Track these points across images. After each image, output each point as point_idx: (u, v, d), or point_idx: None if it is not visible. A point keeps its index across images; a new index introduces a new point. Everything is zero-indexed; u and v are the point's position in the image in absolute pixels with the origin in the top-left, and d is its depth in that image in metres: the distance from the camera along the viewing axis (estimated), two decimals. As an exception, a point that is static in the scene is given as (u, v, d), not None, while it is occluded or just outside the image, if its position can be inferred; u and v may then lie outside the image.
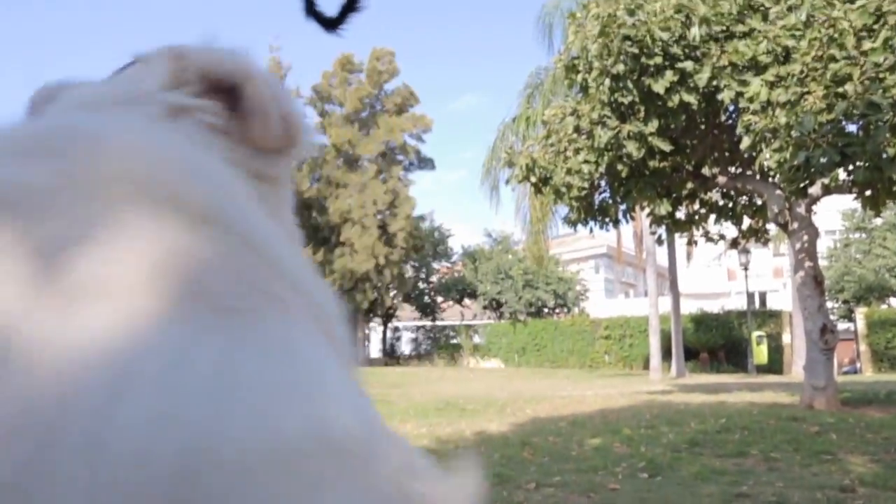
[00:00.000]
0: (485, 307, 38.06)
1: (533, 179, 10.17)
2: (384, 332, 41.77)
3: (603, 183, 10.51)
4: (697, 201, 11.61)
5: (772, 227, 12.78)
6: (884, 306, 31.57)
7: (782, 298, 38.05)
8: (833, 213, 34.68)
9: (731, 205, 11.89)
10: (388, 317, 40.91)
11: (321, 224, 35.54)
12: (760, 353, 27.90)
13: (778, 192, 9.78)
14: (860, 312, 29.71)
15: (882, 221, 32.92)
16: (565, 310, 37.39)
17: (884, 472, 5.46)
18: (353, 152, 35.83)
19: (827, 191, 9.72)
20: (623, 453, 6.45)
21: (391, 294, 37.97)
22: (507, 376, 22.87)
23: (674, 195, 10.91)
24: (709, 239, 12.44)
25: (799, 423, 8.14)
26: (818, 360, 9.68)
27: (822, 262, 29.86)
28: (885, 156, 7.67)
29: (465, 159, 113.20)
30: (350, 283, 34.75)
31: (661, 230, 12.06)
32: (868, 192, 9.69)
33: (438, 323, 41.06)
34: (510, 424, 8.86)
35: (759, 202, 11.36)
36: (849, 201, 29.58)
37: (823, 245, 35.80)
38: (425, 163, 38.30)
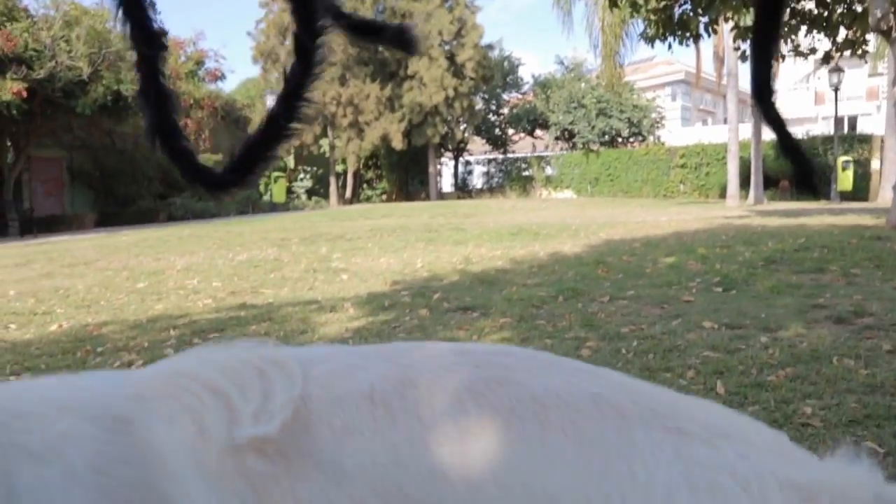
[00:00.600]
0: (557, 138, 37.37)
1: (609, -8, 9.55)
2: (455, 167, 41.82)
3: (685, -5, 9.79)
4: (789, 11, 10.73)
5: (871, 40, 11.80)
6: None
7: (875, 122, 35.94)
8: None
9: (826, 13, 10.96)
10: (459, 150, 40.77)
11: (387, 58, 34.83)
12: (846, 179, 26.83)
13: (881, -5, 8.93)
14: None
15: None
16: (640, 139, 36.39)
17: (972, 286, 5.31)
18: (418, -21, 34.34)
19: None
20: (697, 270, 6.44)
21: (462, 127, 37.60)
22: (580, 205, 22.80)
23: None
24: (798, 53, 11.62)
25: (882, 242, 7.90)
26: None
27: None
28: None
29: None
30: (419, 117, 34.47)
31: (746, 46, 11.26)
32: None
33: (510, 155, 40.72)
34: (584, 246, 8.91)
35: (860, 9, 10.43)
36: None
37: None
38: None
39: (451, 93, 33.99)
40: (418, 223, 15.04)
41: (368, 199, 39.88)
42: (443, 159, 42.20)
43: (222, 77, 32.28)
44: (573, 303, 5.20)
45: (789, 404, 2.84)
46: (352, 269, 7.92)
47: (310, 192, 37.09)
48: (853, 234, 8.71)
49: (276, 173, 30.42)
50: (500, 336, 4.34)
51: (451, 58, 34.34)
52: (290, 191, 34.69)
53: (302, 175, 37.82)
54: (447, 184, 42.90)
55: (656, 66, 53.33)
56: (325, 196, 36.63)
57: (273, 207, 28.84)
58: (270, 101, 29.22)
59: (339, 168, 37.57)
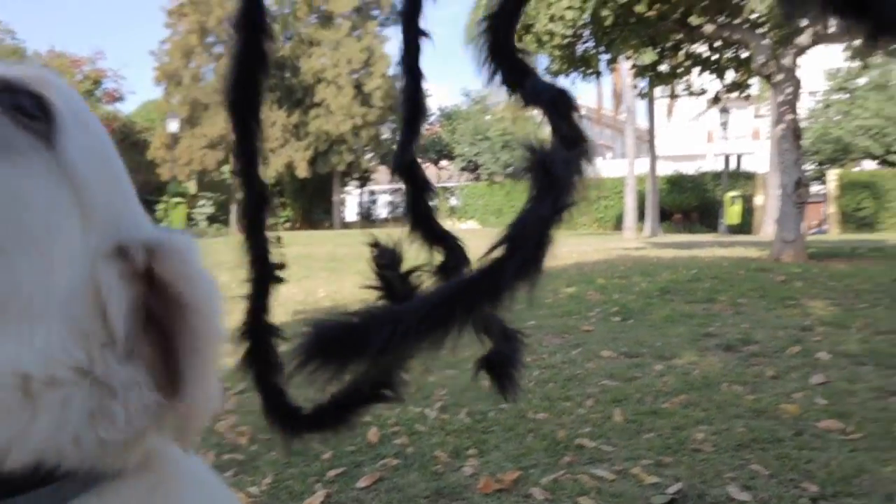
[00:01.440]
0: (462, 169, 37.92)
1: (513, 27, 9.77)
2: (361, 196, 41.70)
3: (587, 33, 10.16)
4: (682, 53, 11.33)
5: (754, 86, 12.59)
6: (856, 168, 31.87)
7: (758, 161, 38.19)
8: (818, 72, 34.23)
9: (715, 57, 11.63)
10: (364, 180, 40.70)
11: (294, 85, 34.56)
12: (733, 214, 28.32)
13: (765, 41, 9.54)
14: (833, 174, 30.02)
15: (865, 81, 32.63)
16: (543, 172, 37.36)
17: (842, 314, 5.67)
18: (326, 8, 34.36)
19: (816, 40, 9.50)
20: (596, 300, 6.61)
21: (367, 157, 37.58)
22: (483, 236, 23.01)
23: (659, 46, 10.62)
24: (691, 93, 12.26)
25: (766, 274, 8.36)
26: (790, 213, 9.81)
27: (802, 124, 29.81)
28: None
29: (445, 17, 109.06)
30: (325, 145, 34.27)
31: (644, 83, 11.83)
32: (858, 41, 9.52)
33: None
34: (486, 276, 8.98)
35: (745, 55, 11.11)
36: (835, 60, 29.08)
37: (805, 106, 35.58)
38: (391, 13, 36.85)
39: (358, 121, 33.98)
40: (322, 252, 14.84)
41: (272, 227, 39.17)
42: (347, 188, 42.03)
43: (121, 98, 31.23)
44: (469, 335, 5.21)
45: (682, 430, 2.92)
46: (253, 299, 7.70)
47: (211, 219, 36.10)
48: (740, 266, 9.17)
49: (174, 199, 29.49)
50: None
51: (358, 87, 34.40)
52: (189, 217, 33.68)
53: (203, 202, 36.79)
54: (352, 213, 42.71)
55: (559, 101, 54.83)
56: (227, 223, 35.75)
57: (169, 234, 27.92)
58: (172, 124, 28.43)
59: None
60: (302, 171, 33.89)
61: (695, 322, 5.40)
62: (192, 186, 35.68)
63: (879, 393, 3.47)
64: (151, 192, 33.76)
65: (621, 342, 4.69)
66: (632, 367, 3.99)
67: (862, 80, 32.77)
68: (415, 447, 2.83)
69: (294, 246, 15.31)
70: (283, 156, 33.38)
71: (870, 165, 32.43)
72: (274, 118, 32.97)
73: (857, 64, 31.24)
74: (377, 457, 2.74)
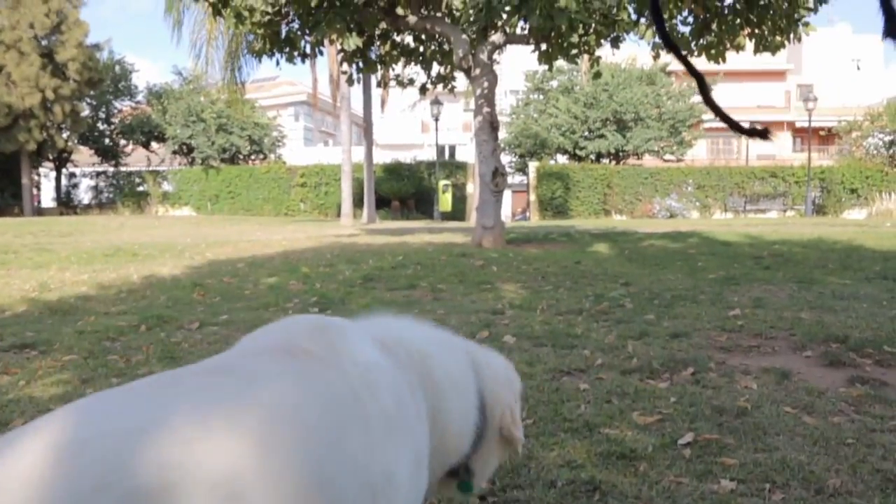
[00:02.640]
0: (174, 152, 35.52)
1: (211, -1, 9.12)
2: (58, 179, 37.29)
3: (292, 13, 9.79)
4: (389, 43, 11.44)
5: (460, 81, 13.14)
6: (552, 161, 35.28)
7: (469, 152, 40.69)
8: (518, 73, 37.25)
9: (421, 49, 11.92)
10: (61, 161, 36.44)
11: (-37, 46, 29.74)
12: (445, 201, 29.84)
13: (464, 36, 9.93)
14: (533, 166, 32.91)
15: (557, 84, 36.16)
16: (261, 157, 36.30)
17: (529, 296, 6.01)
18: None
19: (508, 39, 10.08)
20: (298, 290, 6.34)
21: (64, 135, 33.59)
22: (196, 223, 21.79)
23: (367, 34, 10.59)
24: (399, 83, 12.46)
25: (467, 259, 8.71)
26: (489, 201, 10.36)
27: (505, 119, 32.24)
28: (556, 5, 8.02)
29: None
30: (8, 119, 30.00)
31: (353, 70, 11.76)
32: (543, 46, 10.27)
33: (122, 169, 37.56)
34: (184, 268, 8.31)
35: (448, 48, 11.51)
36: (533, 62, 31.87)
37: (507, 103, 38.53)
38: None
39: (49, 95, 30.20)
40: (-6, 242, 12.86)
41: None
42: (42, 170, 37.35)
43: None
44: (156, 332, 4.67)
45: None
46: None
47: None
48: (444, 252, 9.49)
49: None
50: (58, 378, 3.66)
51: (48, 55, 30.55)
52: None
53: None
54: (48, 198, 38.08)
55: (279, 85, 53.89)
56: None
57: None
58: None
59: None
60: (-22, 149, 29.40)
61: (394, 310, 5.34)
62: None
63: (554, 374, 3.61)
64: None
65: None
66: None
67: (554, 83, 36.30)
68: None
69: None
70: (-49, 129, 28.67)
71: (562, 159, 36.10)
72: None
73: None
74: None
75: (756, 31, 9.96)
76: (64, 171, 37.34)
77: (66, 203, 36.55)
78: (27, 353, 4.27)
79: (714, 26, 10.08)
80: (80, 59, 31.07)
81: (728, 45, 10.32)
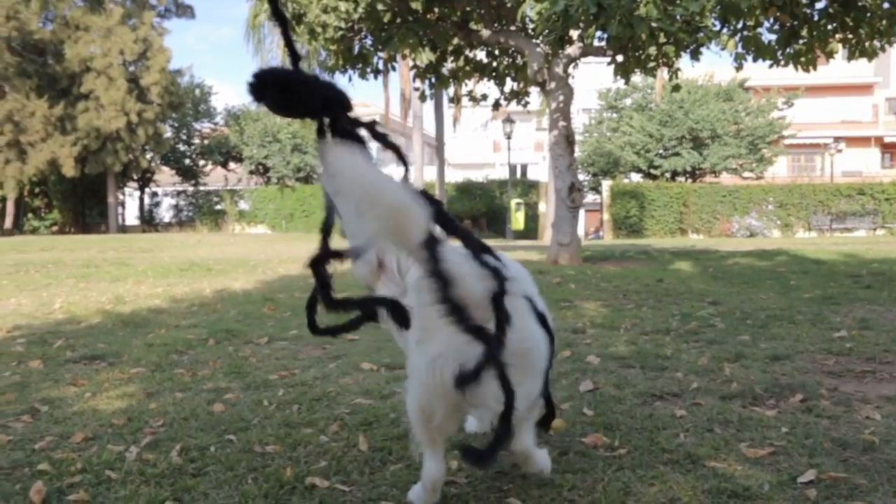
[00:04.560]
0: (251, 172, 36.34)
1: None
2: (141, 198, 38.65)
3: (364, 29, 9.74)
4: (462, 58, 11.29)
5: (533, 98, 12.92)
6: (626, 180, 34.57)
7: (541, 170, 40.29)
8: (590, 91, 36.79)
9: (494, 64, 11.73)
10: (145, 180, 37.77)
11: (58, 73, 31.16)
12: (518, 220, 29.51)
13: (538, 49, 9.69)
14: (606, 184, 32.29)
15: (630, 101, 35.52)
16: (335, 176, 36.77)
17: (611, 315, 5.68)
18: (96, -9, 31.43)
19: (584, 51, 9.79)
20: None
21: (147, 156, 34.82)
22: (270, 241, 22.08)
23: (439, 49, 10.47)
24: (472, 99, 12.29)
25: (544, 276, 8.40)
26: (565, 217, 10.04)
27: (577, 137, 31.83)
28: (636, 13, 7.70)
29: (234, 16, 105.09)
30: (97, 142, 31.25)
31: (425, 86, 11.66)
32: (620, 58, 9.94)
33: (201, 188, 38.65)
34: (256, 282, 8.28)
35: (521, 62, 11.29)
36: (607, 80, 31.35)
37: (579, 122, 38.11)
38: (183, 10, 34.63)
39: (134, 118, 31.34)
40: (79, 257, 13.22)
41: (35, 231, 35.11)
42: (126, 189, 38.80)
43: None
44: (224, 346, 4.56)
45: (436, 457, 2.50)
46: (-34, 312, 6.44)
47: (-44, 221, 31.60)
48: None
49: None
50: (124, 391, 3.55)
51: (134, 80, 31.75)
52: None
53: None
54: (132, 216, 39.47)
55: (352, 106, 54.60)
56: None
57: None
58: None
59: (-3, 194, 32.64)
60: (69, 170, 30.63)
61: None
62: (-71, 184, 30.99)
63: (645, 398, 3.29)
64: None
65: (385, 352, 4.25)
66: (391, 381, 3.55)
67: (628, 101, 35.67)
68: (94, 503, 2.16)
69: (52, 251, 13.54)
70: (46, 151, 29.96)
71: (636, 177, 35.34)
72: (32, 108, 29.48)
73: (622, 85, 34.03)
74: (35, 523, 2.04)
75: (851, 35, 9.36)
76: (147, 190, 38.66)
77: (148, 221, 37.80)
78: (96, 364, 4.21)
79: (804, 32, 9.55)
80: (163, 84, 32.18)
81: (819, 53, 9.76)
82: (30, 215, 36.23)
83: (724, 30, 9.92)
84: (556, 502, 2.13)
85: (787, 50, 10.00)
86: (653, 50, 9.42)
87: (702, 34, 9.47)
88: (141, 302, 6.83)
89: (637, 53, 9.52)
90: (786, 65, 10.17)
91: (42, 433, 2.88)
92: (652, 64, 10.22)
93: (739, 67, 10.38)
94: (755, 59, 9.76)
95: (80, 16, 31.02)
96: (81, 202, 36.30)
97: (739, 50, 9.89)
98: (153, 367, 4.06)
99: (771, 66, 10.22)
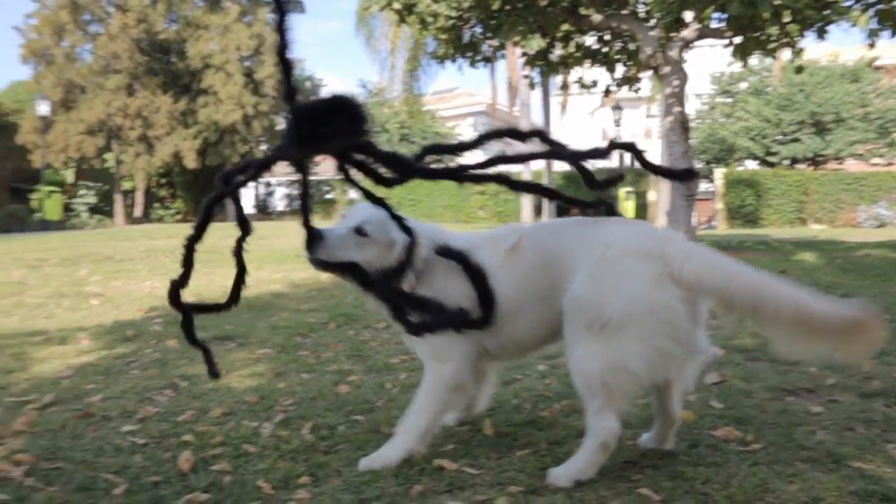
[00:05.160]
0: (360, 162, 37.17)
1: (397, 6, 9.23)
2: (256, 187, 40.24)
3: (474, 17, 9.73)
4: (572, 44, 11.10)
5: (644, 82, 12.56)
6: (740, 167, 33.16)
7: (651, 158, 39.18)
8: (704, 77, 35.47)
9: (604, 49, 11.46)
10: (259, 171, 39.27)
11: (181, 70, 32.81)
12: (627, 209, 28.88)
13: (651, 33, 9.40)
14: (719, 172, 31.08)
15: (746, 85, 33.99)
16: (441, 166, 37.10)
17: (735, 307, 5.46)
18: (215, -9, 32.84)
19: (701, 34, 9.44)
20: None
21: (262, 147, 36.16)
22: (379, 229, 22.52)
23: (549, 35, 10.33)
24: (582, 85, 12.06)
25: (657, 266, 8.17)
26: (680, 206, 9.72)
27: (690, 124, 30.76)
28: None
29: (341, 10, 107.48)
30: (216, 135, 32.71)
31: (534, 73, 11.53)
32: (738, 40, 9.52)
33: (313, 177, 39.84)
34: (371, 269, 8.46)
35: (633, 47, 11.00)
36: (720, 64, 30.08)
37: (692, 108, 36.83)
38: (294, 5, 35.63)
39: (250, 111, 32.60)
40: (202, 244, 13.88)
41: (161, 220, 37.19)
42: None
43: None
44: (345, 330, 4.69)
45: (562, 445, 2.49)
46: (107, 294, 6.90)
47: (93, 210, 33.82)
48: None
49: (49, 188, 27.38)
50: (252, 370, 3.72)
51: (249, 74, 33.02)
52: (68, 208, 31.42)
53: (83, 191, 34.37)
54: (248, 205, 41.16)
55: (458, 96, 54.93)
56: (111, 214, 33.65)
57: (45, 226, 25.77)
58: (42, 106, 26.32)
59: (127, 185, 34.71)
60: (191, 162, 32.22)
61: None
62: (69, 175, 33.36)
63: (776, 393, 3.16)
64: (24, 179, 31.28)
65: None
66: (512, 368, 3.55)
67: (743, 85, 34.14)
68: (235, 475, 2.27)
69: (177, 237, 14.24)
70: (170, 144, 31.63)
71: (751, 164, 33.84)
72: (158, 104, 31.18)
73: (737, 69, 32.56)
74: (184, 489, 2.17)
75: None
76: (261, 180, 40.19)
77: (262, 210, 39.31)
78: (226, 344, 4.42)
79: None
80: (277, 77, 33.25)
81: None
82: (156, 205, 38.38)
83: (856, 4, 9.29)
84: (689, 495, 2.08)
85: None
86: (775, 29, 8.94)
87: (829, 10, 8.92)
88: (262, 286, 7.12)
89: (757, 34, 9.06)
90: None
91: (183, 407, 3.05)
92: (773, 44, 9.71)
93: (872, 45, 9.72)
94: (894, 34, 9.07)
95: (200, 15, 32.50)
96: (201, 192, 38.05)
97: (873, 25, 9.24)
98: (279, 348, 4.23)
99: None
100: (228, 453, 2.46)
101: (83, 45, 31.56)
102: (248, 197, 41.01)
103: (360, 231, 2.41)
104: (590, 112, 33.24)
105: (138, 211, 35.16)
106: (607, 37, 11.34)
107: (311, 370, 3.66)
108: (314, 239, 2.39)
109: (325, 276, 7.75)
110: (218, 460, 2.39)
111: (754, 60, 28.35)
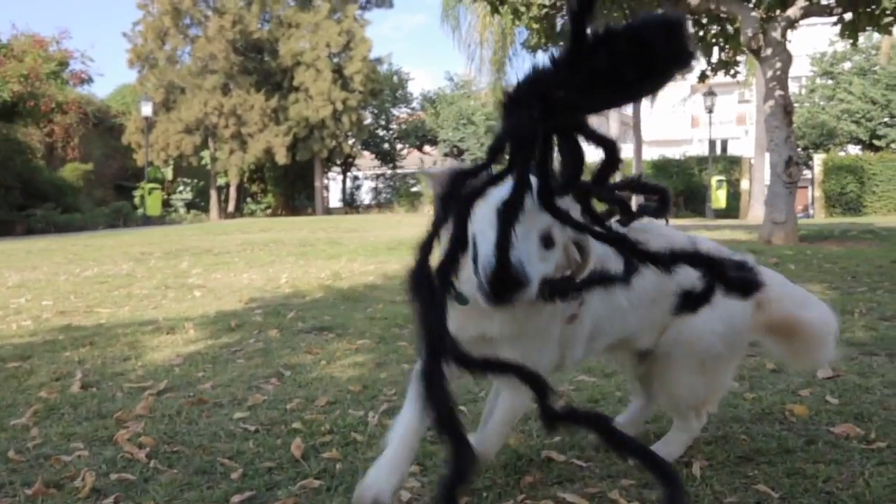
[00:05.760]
0: (446, 154, 37.34)
1: (490, -3, 9.21)
2: (343, 181, 41.04)
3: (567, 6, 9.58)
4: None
5: (741, 67, 12.10)
6: (841, 153, 31.61)
7: (744, 146, 37.89)
8: (802, 58, 33.93)
9: (701, 33, 11.10)
10: (347, 165, 40.03)
11: (273, 68, 33.76)
12: (719, 198, 27.97)
13: (753, 13, 9.05)
14: (818, 158, 29.72)
15: (850, 65, 32.34)
16: (527, 156, 36.87)
17: (841, 298, 5.26)
18: (305, -11, 33.60)
19: (805, 12, 9.02)
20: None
21: (350, 142, 36.88)
22: (465, 221, 22.59)
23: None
24: (677, 71, 11.69)
25: (758, 256, 7.87)
26: (780, 193, 9.35)
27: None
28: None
29: (426, 4, 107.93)
30: (305, 130, 33.52)
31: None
32: (849, 16, 9.05)
33: (399, 171, 40.33)
34: (461, 260, 8.49)
35: (732, 30, 10.61)
36: (820, 44, 28.70)
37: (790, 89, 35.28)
38: (382, 1, 36.11)
39: (339, 106, 33.24)
40: (295, 237, 14.28)
41: (252, 214, 38.44)
42: (330, 174, 41.33)
43: (89, 80, 30.24)
44: (440, 320, 4.72)
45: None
46: (209, 286, 7.18)
47: (189, 206, 35.32)
48: (730, 249, 8.70)
49: (150, 185, 28.71)
50: (353, 360, 3.79)
51: (338, 70, 33.65)
52: (167, 203, 32.89)
53: (181, 187, 35.95)
54: (335, 199, 42.04)
55: (543, 86, 54.24)
56: (206, 209, 35.02)
57: (147, 221, 27.05)
58: (146, 107, 27.61)
59: (221, 181, 36.03)
60: (282, 158, 33.12)
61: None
62: (168, 172, 34.87)
63: (897, 389, 2.99)
64: (128, 177, 32.93)
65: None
66: (612, 361, 3.49)
67: (847, 65, 32.47)
68: (346, 462, 2.32)
69: (269, 231, 14.73)
70: (262, 141, 32.62)
71: (853, 149, 32.20)
72: (252, 102, 32.18)
73: (840, 48, 30.93)
74: (297, 475, 2.23)
75: None
76: (348, 174, 40.96)
77: (349, 203, 40.08)
78: (325, 335, 4.52)
79: None
80: (365, 72, 33.80)
81: None
82: (248, 200, 39.69)
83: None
84: (810, 493, 1.99)
85: None
86: (890, 2, 8.44)
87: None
88: (356, 278, 7.25)
89: (870, 8, 8.58)
90: None
91: (290, 395, 3.14)
92: (888, 19, 9.17)
93: None
94: None
95: (291, 14, 33.35)
96: (291, 187, 39.15)
97: None
98: (377, 339, 4.29)
99: None
100: (337, 441, 2.51)
101: (183, 47, 32.92)
102: (335, 191, 41.84)
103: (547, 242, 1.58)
104: (682, 100, 32.29)
105: (231, 206, 36.43)
106: (704, 20, 10.97)
107: (411, 360, 3.69)
108: (513, 282, 1.44)
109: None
110: (328, 448, 2.44)
111: (861, 38, 26.96)
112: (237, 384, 3.36)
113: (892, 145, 30.31)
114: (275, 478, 2.22)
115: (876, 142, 30.70)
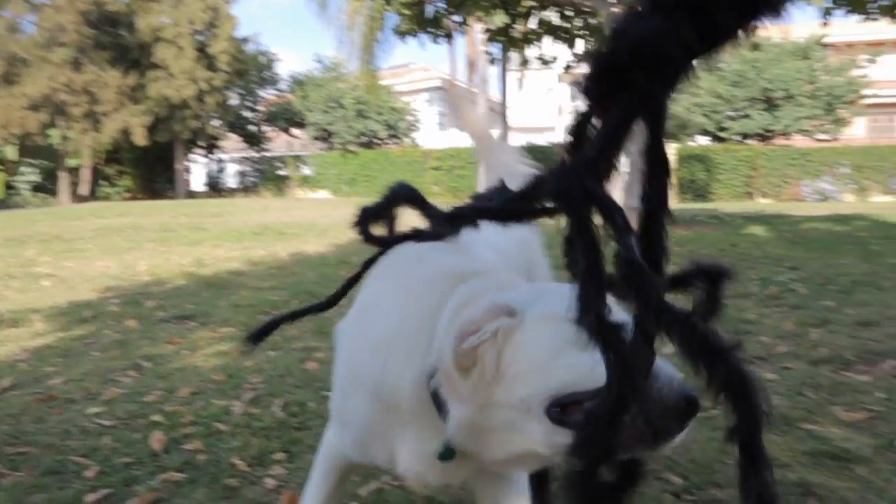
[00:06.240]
0: (314, 137, 36.71)
1: (360, -20, 9.13)
2: (207, 164, 39.52)
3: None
4: (535, 20, 11.09)
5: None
6: (691, 143, 33.73)
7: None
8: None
9: (567, 25, 11.49)
10: (211, 147, 38.54)
11: (130, 43, 31.91)
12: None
13: (614, 9, 9.46)
14: (672, 147, 31.60)
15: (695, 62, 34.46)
16: (396, 141, 36.87)
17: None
18: (164, -39, 31.89)
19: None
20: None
21: (214, 123, 35.47)
22: (334, 205, 22.37)
23: (511, 12, 10.32)
24: (543, 61, 12.09)
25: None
26: (637, 180, 9.87)
27: (643, 99, 30.98)
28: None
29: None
30: (166, 111, 31.97)
31: (496, 49, 11.52)
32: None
33: (266, 154, 39.27)
34: (329, 246, 8.45)
35: (595, 22, 11.05)
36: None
37: (644, 82, 37.16)
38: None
39: (203, 86, 31.90)
40: (155, 222, 13.65)
41: (108, 197, 36.30)
42: (193, 156, 39.69)
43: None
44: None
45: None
46: (59, 275, 6.76)
47: (36, 188, 32.87)
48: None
49: (-11, 166, 26.52)
50: (216, 349, 3.71)
51: (202, 49, 32.26)
52: (9, 186, 30.49)
53: (26, 169, 33.34)
54: (198, 182, 40.41)
55: (413, 71, 54.50)
56: (55, 193, 32.75)
57: (-15, 204, 24.99)
58: None
59: (73, 162, 33.76)
60: (140, 139, 31.44)
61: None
62: (11, 151, 32.30)
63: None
64: (-39, 157, 30.22)
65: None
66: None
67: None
68: (209, 454, 2.29)
69: (127, 216, 13.97)
70: (118, 120, 30.82)
71: (702, 140, 34.43)
72: (106, 79, 30.31)
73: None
74: (158, 469, 2.17)
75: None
76: (212, 156, 39.47)
77: (214, 187, 38.65)
78: (187, 323, 4.39)
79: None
80: (230, 52, 32.59)
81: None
82: (103, 182, 37.43)
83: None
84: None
85: (883, 1, 9.41)
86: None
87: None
88: (220, 265, 7.05)
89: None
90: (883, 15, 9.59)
91: (149, 388, 3.04)
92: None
93: (827, 23, 9.95)
94: (848, 13, 9.26)
95: (152, -13, 31.59)
96: (150, 169, 37.24)
97: (827, 4, 9.44)
98: (242, 326, 4.21)
99: (865, 19, 9.70)
100: (200, 432, 2.47)
101: (26, 15, 30.43)
102: (198, 174, 40.30)
103: None
104: (548, 88, 33.33)
105: (84, 189, 34.27)
106: (569, 12, 11.36)
107: (276, 348, 3.66)
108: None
109: (285, 254, 7.73)
110: (190, 439, 2.40)
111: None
112: (91, 378, 3.22)
113: (735, 137, 32.64)
114: (133, 473, 2.16)
115: (721, 133, 32.96)
